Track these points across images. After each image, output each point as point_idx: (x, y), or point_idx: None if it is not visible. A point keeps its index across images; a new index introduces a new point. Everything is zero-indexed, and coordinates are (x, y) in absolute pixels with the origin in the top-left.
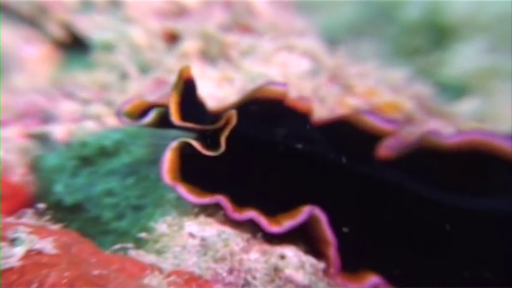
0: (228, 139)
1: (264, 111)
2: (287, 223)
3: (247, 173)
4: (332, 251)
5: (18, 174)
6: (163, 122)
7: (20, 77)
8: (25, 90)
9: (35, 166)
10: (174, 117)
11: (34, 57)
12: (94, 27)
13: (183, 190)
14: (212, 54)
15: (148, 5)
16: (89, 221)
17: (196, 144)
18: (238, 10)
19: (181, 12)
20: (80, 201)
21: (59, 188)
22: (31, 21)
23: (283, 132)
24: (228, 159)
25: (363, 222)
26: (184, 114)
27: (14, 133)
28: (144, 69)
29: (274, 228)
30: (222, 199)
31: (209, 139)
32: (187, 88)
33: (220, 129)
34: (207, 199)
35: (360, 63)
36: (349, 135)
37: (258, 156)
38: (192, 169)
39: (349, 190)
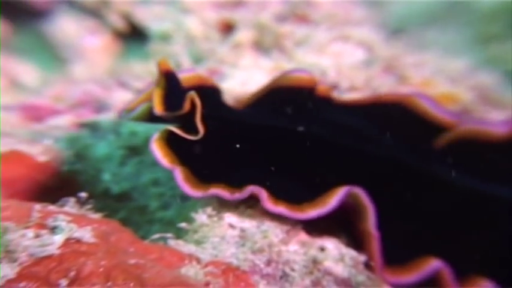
0: (236, 126)
1: (289, 99)
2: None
3: (269, 161)
4: (375, 244)
5: (68, 163)
6: (152, 115)
7: (80, 66)
8: (83, 80)
9: (83, 155)
10: (157, 108)
11: (95, 47)
12: (153, 17)
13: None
14: (266, 45)
15: None
16: (136, 210)
17: (177, 130)
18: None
19: (238, 2)
20: (127, 190)
21: (106, 176)
22: (94, 12)
23: (308, 119)
24: (241, 148)
25: (408, 213)
26: (169, 105)
27: (66, 122)
28: (198, 59)
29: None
30: (257, 188)
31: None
32: (169, 80)
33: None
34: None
35: (419, 53)
36: (400, 118)
37: (278, 144)
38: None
39: (390, 178)
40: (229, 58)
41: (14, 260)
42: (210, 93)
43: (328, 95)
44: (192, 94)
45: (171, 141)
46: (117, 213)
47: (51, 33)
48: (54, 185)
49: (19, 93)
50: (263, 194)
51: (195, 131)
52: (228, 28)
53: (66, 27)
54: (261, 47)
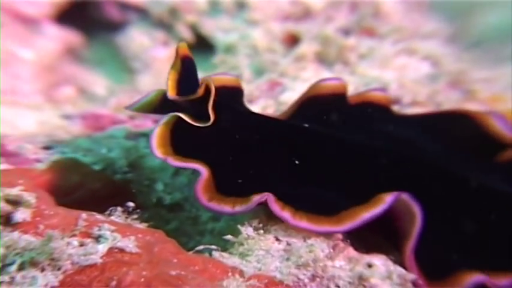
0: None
1: (321, 106)
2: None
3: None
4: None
5: (121, 172)
6: (157, 106)
7: (147, 76)
8: (147, 90)
9: (137, 164)
10: (170, 92)
11: (162, 58)
12: (219, 29)
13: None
14: (329, 57)
15: (273, 7)
16: (187, 221)
17: (185, 116)
18: (364, 12)
19: (305, 14)
20: (179, 200)
21: (159, 186)
22: (164, 24)
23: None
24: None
25: (456, 224)
26: (183, 91)
27: (122, 132)
28: (260, 70)
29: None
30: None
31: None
32: (185, 65)
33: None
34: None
35: (491, 68)
36: (460, 132)
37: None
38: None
39: (437, 187)
40: (291, 70)
41: (58, 268)
42: (234, 94)
43: (384, 104)
44: (208, 79)
45: (175, 133)
46: (168, 223)
47: (123, 44)
48: (107, 194)
49: (86, 102)
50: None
51: (204, 120)
52: (292, 40)
53: (138, 38)
54: (324, 59)
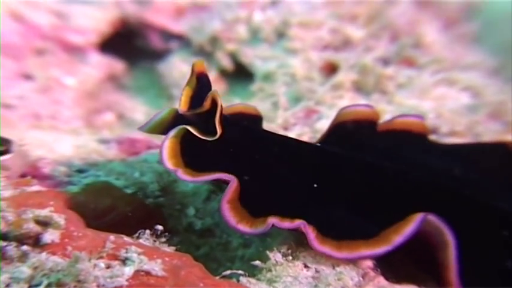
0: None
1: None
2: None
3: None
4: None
5: (152, 196)
6: (175, 121)
7: None
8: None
9: (169, 189)
10: (182, 107)
11: None
12: (258, 57)
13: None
14: (367, 86)
15: (312, 36)
16: (218, 247)
17: (193, 129)
18: (405, 42)
19: (345, 43)
20: (210, 226)
21: (191, 211)
22: (204, 52)
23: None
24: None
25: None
26: (196, 108)
27: (156, 156)
28: (297, 98)
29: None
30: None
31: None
32: (200, 82)
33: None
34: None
35: None
36: (500, 162)
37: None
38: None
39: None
40: (327, 98)
41: None
42: (251, 119)
43: (420, 131)
44: (214, 92)
45: (186, 146)
46: (199, 249)
47: (164, 72)
48: (138, 218)
49: (123, 127)
50: (309, 231)
51: (212, 135)
52: (330, 69)
53: (178, 66)
54: (362, 88)
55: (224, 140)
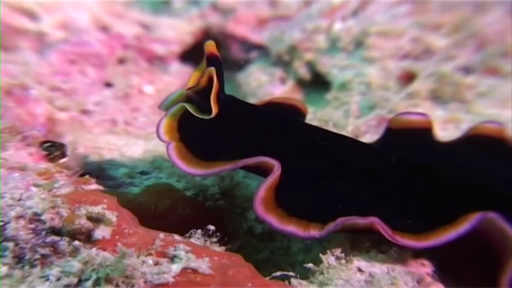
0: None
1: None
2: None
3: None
4: None
5: (212, 199)
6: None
7: None
8: None
9: (230, 192)
10: (188, 85)
11: (278, 93)
12: (336, 66)
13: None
14: (444, 95)
15: (391, 45)
16: (278, 251)
17: (189, 107)
18: (491, 51)
19: (425, 52)
20: (271, 230)
21: (251, 215)
22: (282, 61)
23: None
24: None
25: None
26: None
27: None
28: (371, 107)
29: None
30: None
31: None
32: (211, 64)
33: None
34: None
35: None
36: None
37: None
38: None
39: None
40: (402, 107)
41: (132, 286)
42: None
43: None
44: (211, 69)
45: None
46: (259, 253)
47: (243, 81)
48: (197, 220)
49: None
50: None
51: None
52: (408, 78)
53: (257, 75)
54: (439, 97)
55: (228, 122)
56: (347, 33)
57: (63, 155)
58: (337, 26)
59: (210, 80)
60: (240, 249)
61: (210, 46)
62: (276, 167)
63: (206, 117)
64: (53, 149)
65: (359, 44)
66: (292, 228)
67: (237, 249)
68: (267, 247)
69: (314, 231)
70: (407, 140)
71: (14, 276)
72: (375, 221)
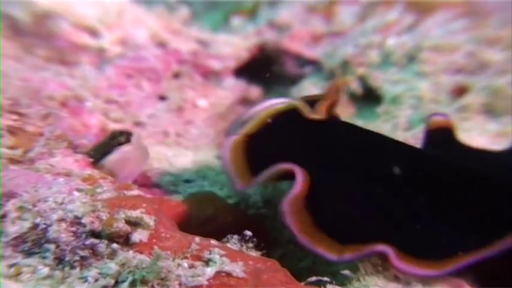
0: None
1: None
2: None
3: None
4: None
5: (254, 207)
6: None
7: None
8: None
9: (273, 201)
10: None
11: None
12: (387, 81)
13: None
14: (497, 109)
15: (445, 60)
16: (320, 260)
17: (301, 105)
18: None
19: (480, 67)
20: None
21: None
22: (334, 75)
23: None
24: None
25: None
26: None
27: None
28: (422, 120)
29: None
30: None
31: None
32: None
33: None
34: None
35: None
36: None
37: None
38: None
39: None
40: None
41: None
42: None
43: None
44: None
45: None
46: (301, 261)
47: (296, 96)
48: (239, 228)
49: None
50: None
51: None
52: (460, 92)
53: (309, 90)
54: (491, 111)
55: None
56: (400, 48)
57: (128, 140)
58: (391, 42)
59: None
60: (282, 257)
61: (342, 82)
62: (300, 176)
63: (310, 117)
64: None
65: (412, 58)
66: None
67: (279, 257)
68: (309, 256)
69: (347, 255)
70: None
71: (54, 277)
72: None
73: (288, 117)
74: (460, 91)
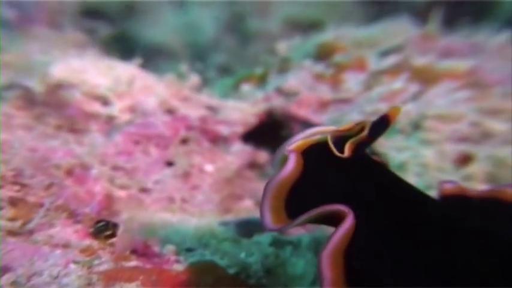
0: None
1: None
2: None
3: None
4: None
5: (255, 277)
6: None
7: None
8: None
9: (274, 271)
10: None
11: None
12: (393, 148)
13: None
14: (501, 179)
15: (449, 129)
16: None
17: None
18: None
19: (484, 137)
20: None
21: None
22: None
23: None
24: None
25: None
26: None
27: (269, 239)
28: (427, 187)
29: None
30: None
31: None
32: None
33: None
34: None
35: None
36: None
37: None
38: None
39: None
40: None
41: None
42: None
43: None
44: (367, 121)
45: None
46: None
47: None
48: None
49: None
50: None
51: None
52: (464, 160)
53: None
54: (495, 180)
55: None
56: (405, 116)
57: (113, 235)
58: None
59: (361, 129)
60: None
61: (395, 111)
62: (348, 217)
63: (337, 154)
64: (103, 228)
65: (417, 126)
66: None
67: None
68: None
69: None
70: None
71: None
72: None
73: (318, 153)
74: (464, 160)
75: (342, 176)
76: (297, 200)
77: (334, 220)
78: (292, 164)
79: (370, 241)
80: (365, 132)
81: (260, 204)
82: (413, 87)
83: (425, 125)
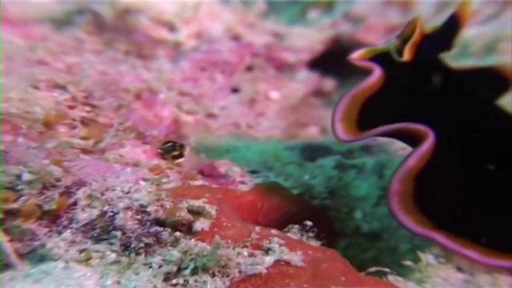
0: None
1: None
2: None
3: None
4: None
5: (319, 198)
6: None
7: None
8: None
9: (337, 192)
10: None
11: None
12: None
13: None
14: None
15: None
16: (386, 251)
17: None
18: None
19: None
20: (378, 230)
21: (358, 215)
22: None
23: None
24: None
25: None
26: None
27: (332, 162)
28: None
29: None
30: None
31: None
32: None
33: None
34: None
35: None
36: None
37: None
38: None
39: None
40: None
41: (227, 275)
42: None
43: None
44: (416, 19)
45: None
46: (366, 251)
47: None
48: (303, 218)
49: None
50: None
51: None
52: None
53: None
54: None
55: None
56: (479, 39)
57: (181, 156)
58: (470, 32)
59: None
60: (347, 248)
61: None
62: (429, 138)
63: (397, 59)
64: (171, 148)
65: (491, 48)
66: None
67: (343, 248)
68: (374, 247)
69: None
70: None
71: (121, 262)
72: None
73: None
74: None
75: (413, 85)
76: (371, 111)
77: (411, 138)
78: (377, 75)
79: (446, 163)
80: (418, 31)
81: (332, 113)
82: (490, 8)
83: (500, 47)
